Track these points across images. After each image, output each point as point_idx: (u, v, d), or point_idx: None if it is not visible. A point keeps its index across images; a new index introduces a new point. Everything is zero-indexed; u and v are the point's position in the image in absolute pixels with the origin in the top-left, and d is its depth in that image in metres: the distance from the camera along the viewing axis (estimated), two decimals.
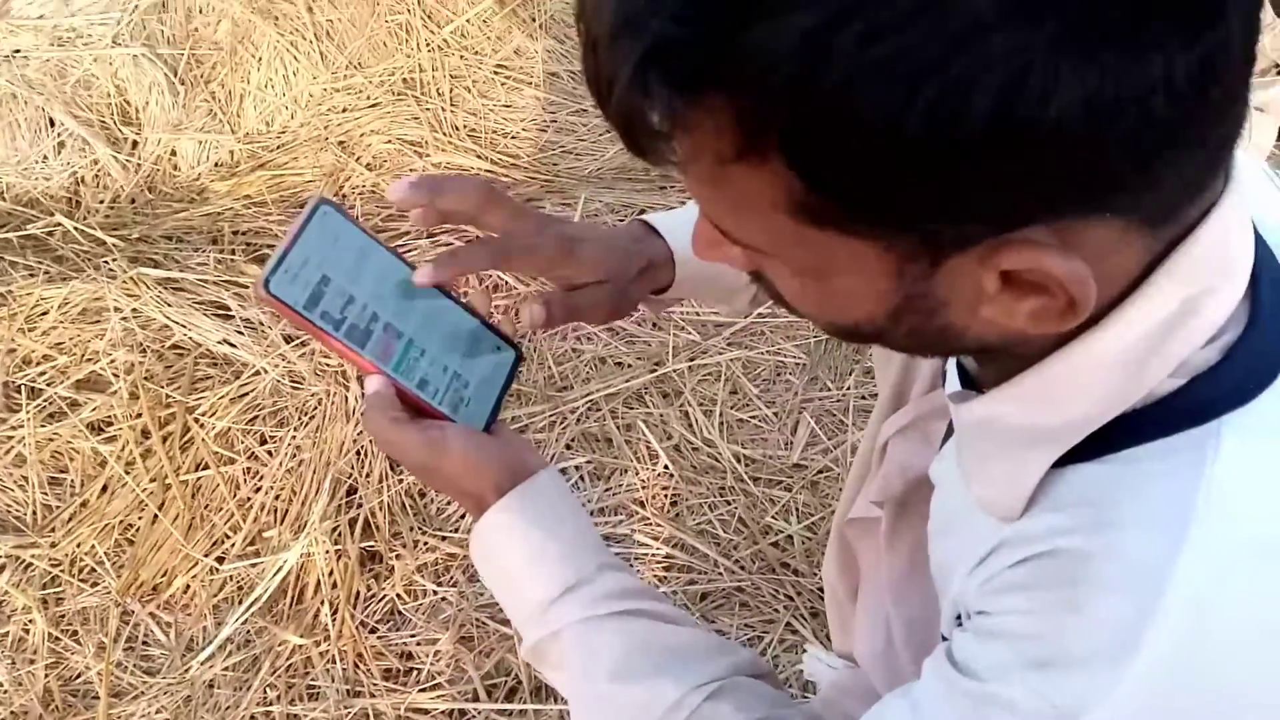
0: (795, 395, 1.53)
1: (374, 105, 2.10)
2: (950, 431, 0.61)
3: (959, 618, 0.49)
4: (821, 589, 1.28)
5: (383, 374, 0.58)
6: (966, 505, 0.49)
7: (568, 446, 1.49)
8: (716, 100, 0.34)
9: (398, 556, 1.36)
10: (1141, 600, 0.38)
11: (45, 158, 2.06)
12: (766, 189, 0.37)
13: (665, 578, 1.33)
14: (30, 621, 1.32)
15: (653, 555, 1.35)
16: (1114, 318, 0.40)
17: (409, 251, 1.73)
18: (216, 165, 2.08)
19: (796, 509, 1.39)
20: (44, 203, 1.98)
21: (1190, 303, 0.40)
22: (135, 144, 2.12)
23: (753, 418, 1.52)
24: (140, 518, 1.41)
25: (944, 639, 0.51)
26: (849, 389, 1.53)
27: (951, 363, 0.53)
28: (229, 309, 1.63)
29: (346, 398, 1.51)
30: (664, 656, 0.56)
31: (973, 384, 0.50)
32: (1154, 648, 0.38)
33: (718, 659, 0.56)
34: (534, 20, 2.17)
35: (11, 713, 1.25)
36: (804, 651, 1.15)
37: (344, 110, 2.11)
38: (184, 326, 1.60)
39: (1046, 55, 0.31)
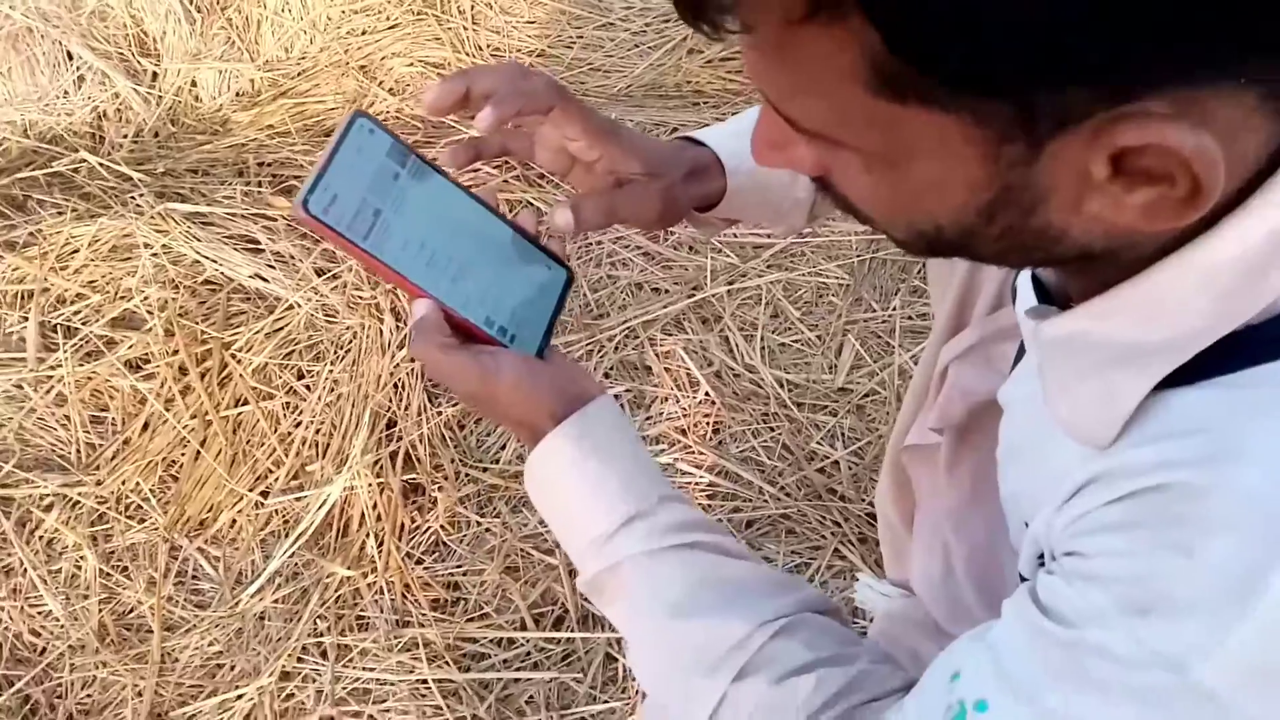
0: (839, 317, 1.49)
1: (394, 26, 2.03)
2: (1021, 354, 0.57)
3: (1040, 557, 0.46)
4: (869, 515, 1.26)
5: (430, 297, 0.55)
6: (1045, 432, 0.45)
7: (605, 375, 1.46)
8: None
9: (440, 489, 1.35)
10: (1264, 541, 0.35)
11: (65, 92, 2.03)
12: (840, 54, 0.32)
13: (709, 506, 1.31)
14: (81, 558, 1.34)
15: (696, 484, 1.33)
16: (1232, 220, 0.35)
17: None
18: (238, 95, 2.03)
19: (842, 434, 1.36)
20: (67, 139, 1.96)
21: None
22: (155, 76, 2.08)
23: (795, 341, 1.48)
24: (183, 454, 1.42)
25: (1022, 578, 0.48)
26: (894, 309, 1.49)
27: (1025, 276, 0.49)
28: (259, 243, 1.61)
29: (381, 330, 1.50)
30: (729, 591, 0.53)
31: (1049, 299, 0.46)
32: (1278, 593, 0.34)
33: (785, 595, 0.54)
34: None
35: (69, 646, 1.27)
36: (853, 578, 1.14)
37: (363, 33, 2.04)
38: (215, 261, 1.58)
39: None
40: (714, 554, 0.55)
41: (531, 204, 1.67)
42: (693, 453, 1.36)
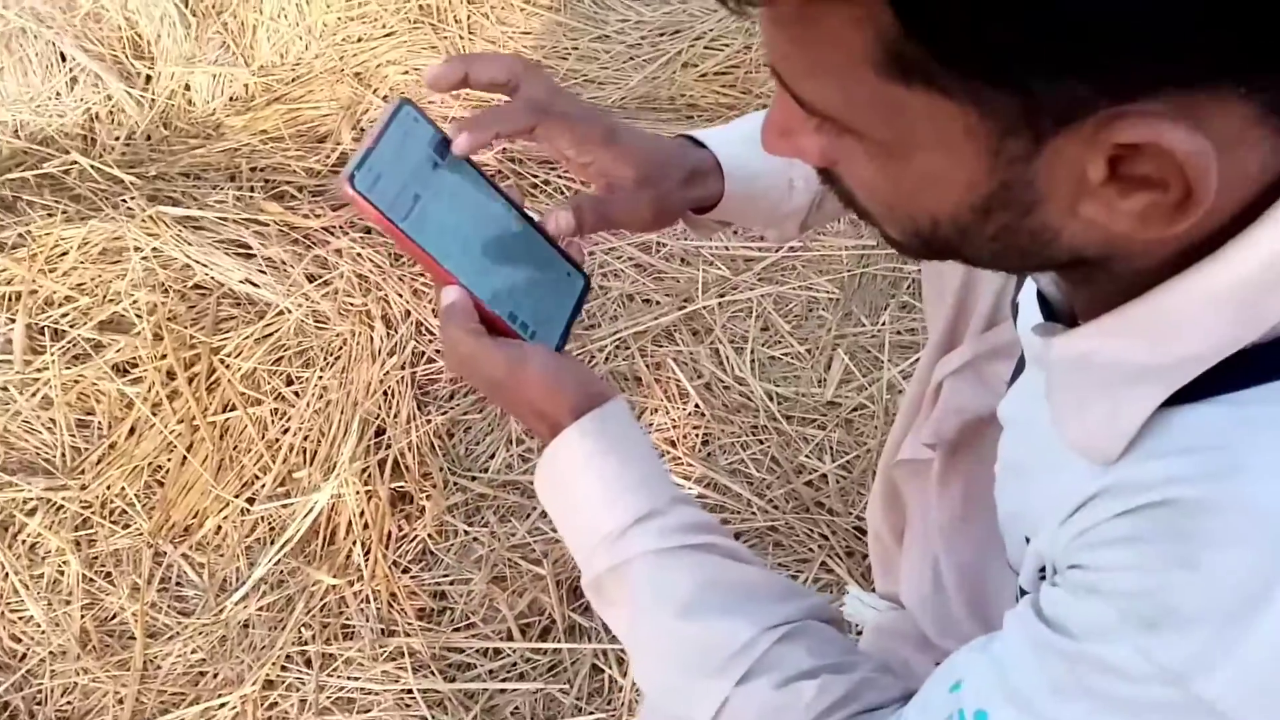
0: (828, 331, 1.50)
1: (390, 34, 2.03)
2: (1019, 370, 0.58)
3: (1043, 571, 0.46)
4: (857, 529, 1.26)
5: (460, 285, 0.55)
6: (1049, 449, 0.46)
7: None
8: None
9: (428, 497, 1.35)
10: (1271, 555, 0.35)
11: (58, 94, 2.02)
12: (854, 32, 0.33)
13: None
14: (64, 563, 1.33)
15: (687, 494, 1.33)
16: (1239, 242, 0.36)
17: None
18: (231, 99, 2.03)
19: (830, 447, 1.37)
20: (59, 140, 1.95)
21: None
22: (149, 78, 2.07)
23: (785, 354, 1.49)
24: (169, 459, 1.41)
25: (1023, 592, 0.48)
26: (883, 324, 1.50)
27: (1031, 293, 0.49)
28: (250, 247, 1.60)
29: (372, 337, 1.49)
30: (736, 594, 0.54)
31: (1054, 317, 0.47)
32: None
33: (791, 601, 0.54)
34: None
35: (50, 652, 1.26)
36: (842, 592, 1.14)
37: (359, 40, 2.04)
38: (205, 266, 1.57)
39: None
40: (723, 557, 0.55)
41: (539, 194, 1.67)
42: (682, 464, 1.36)
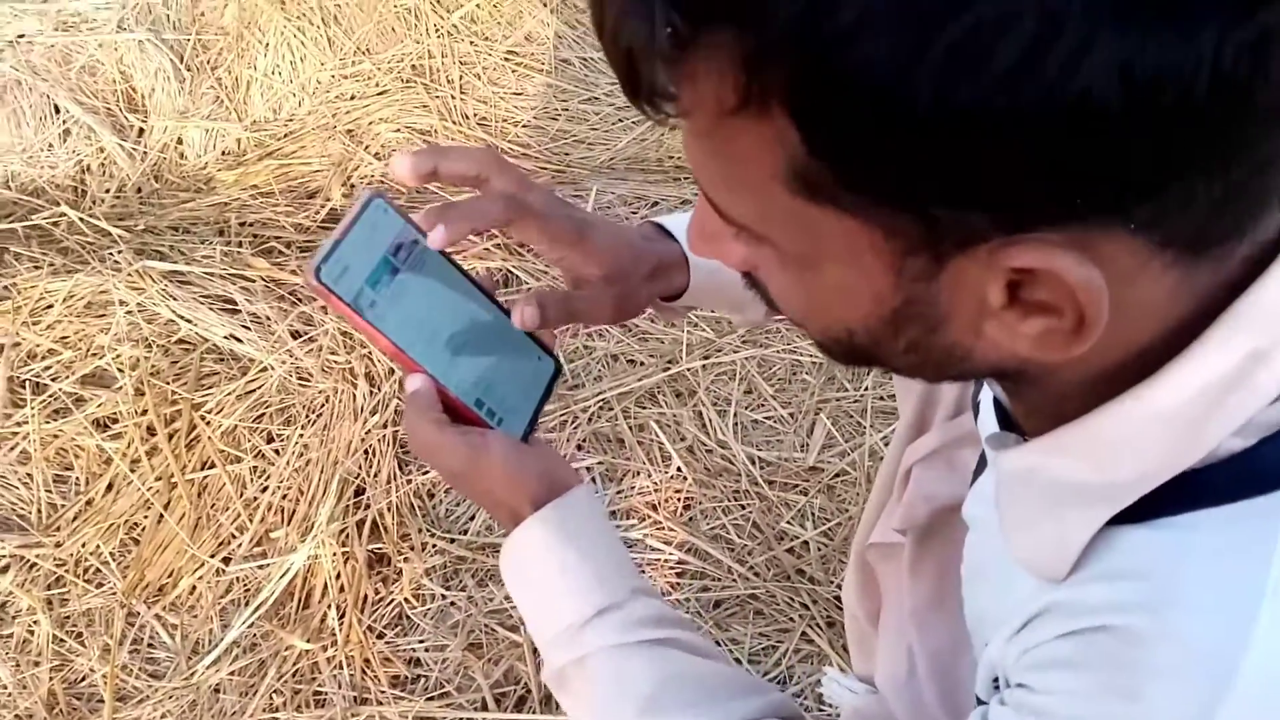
0: (811, 395, 1.50)
1: (382, 93, 2.06)
2: (982, 465, 0.58)
3: (996, 682, 0.46)
4: (838, 598, 1.25)
5: (425, 373, 0.56)
6: (1004, 557, 0.46)
7: (579, 447, 1.46)
8: (722, 36, 0.31)
9: (406, 559, 1.34)
10: (1207, 691, 0.35)
11: (50, 145, 2.04)
12: (765, 150, 0.34)
13: (678, 584, 1.30)
14: (35, 623, 1.31)
15: (665, 561, 1.32)
16: (1171, 368, 0.37)
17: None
18: (223, 154, 2.05)
19: (812, 514, 1.36)
20: (49, 192, 1.96)
21: (1258, 356, 0.36)
22: (141, 131, 2.09)
23: (768, 418, 1.49)
24: (146, 517, 1.40)
25: (980, 701, 0.48)
26: (866, 389, 1.50)
27: (987, 401, 0.50)
28: (235, 303, 1.61)
29: (354, 395, 1.49)
30: (696, 691, 0.53)
31: (1009, 423, 0.47)
32: None
33: (751, 698, 0.54)
34: (545, 5, 2.12)
35: (16, 716, 1.23)
36: (822, 664, 1.13)
37: (352, 98, 2.07)
38: (190, 321, 1.57)
39: (1081, 13, 0.28)
40: (684, 651, 0.55)
41: (512, 273, 1.68)
42: (663, 528, 1.35)
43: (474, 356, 0.58)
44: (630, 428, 1.47)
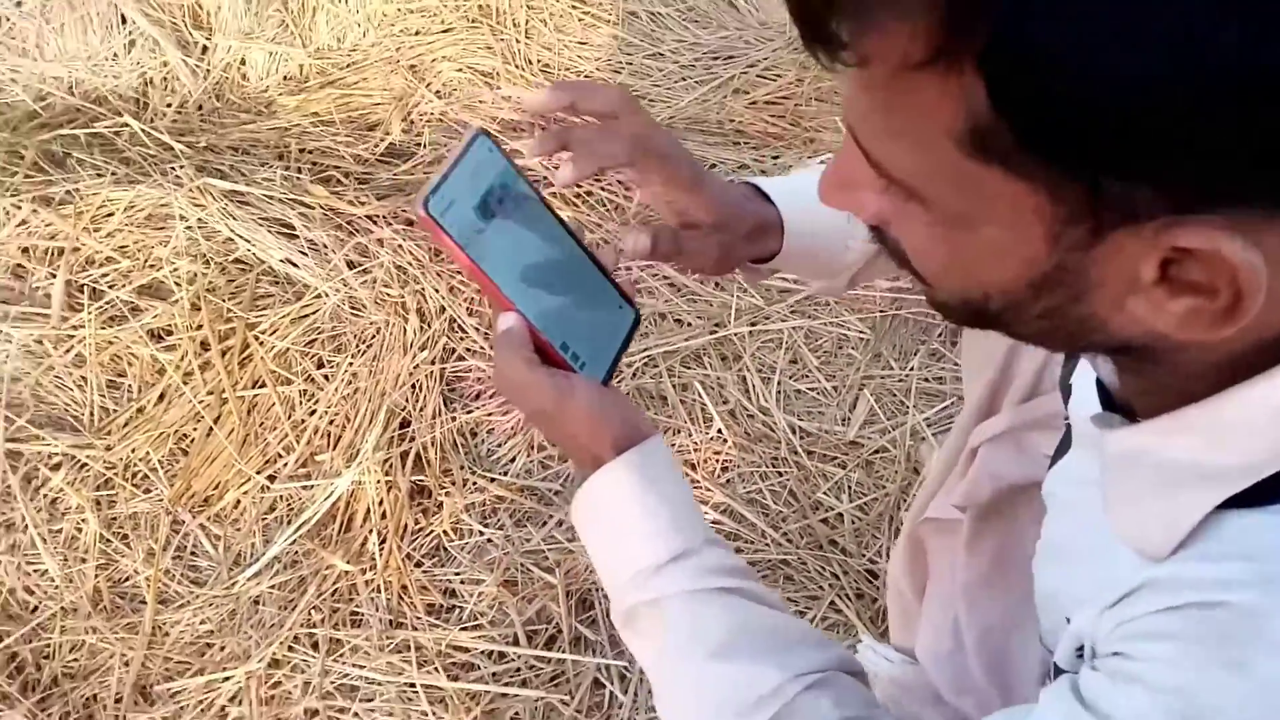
0: (857, 370, 1.51)
1: (447, 30, 2.05)
2: (1062, 449, 0.59)
3: (1080, 650, 0.47)
4: (868, 571, 1.27)
5: (518, 312, 0.57)
6: (1097, 534, 0.47)
7: None
8: None
9: (447, 494, 1.36)
10: None
11: (115, 55, 2.04)
12: (944, 105, 0.34)
13: None
14: (83, 521, 1.34)
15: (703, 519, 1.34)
16: None
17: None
18: (285, 79, 2.05)
19: (849, 487, 1.38)
20: (111, 101, 1.97)
21: None
22: (205, 49, 2.10)
23: (811, 389, 1.50)
24: (195, 429, 1.42)
25: (1058, 670, 0.49)
26: (912, 369, 1.51)
27: (1088, 380, 0.50)
28: (293, 228, 1.62)
29: (405, 330, 1.51)
30: (767, 640, 0.55)
31: (1112, 405, 0.48)
32: None
33: (820, 650, 0.55)
34: None
35: (61, 608, 1.27)
36: (850, 633, 1.15)
37: (416, 33, 2.06)
38: (248, 242, 1.59)
39: None
40: (754, 602, 0.56)
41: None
42: (700, 488, 1.37)
43: (562, 299, 0.59)
44: (674, 386, 1.49)
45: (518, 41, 2.00)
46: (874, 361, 1.52)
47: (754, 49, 1.97)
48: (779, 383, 1.49)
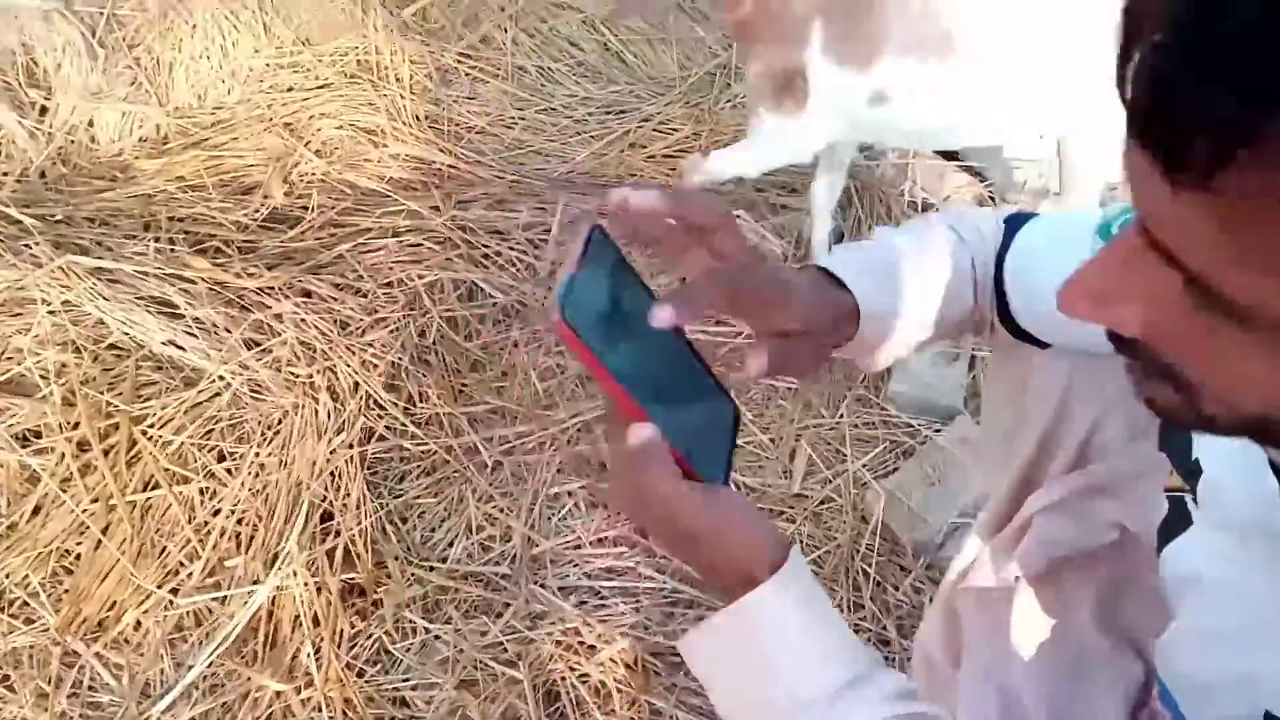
0: (790, 422, 1.50)
1: (324, 86, 1.94)
2: (1174, 526, 0.58)
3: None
4: None
5: (652, 422, 0.51)
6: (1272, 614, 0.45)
7: (559, 471, 1.41)
8: None
9: (384, 589, 1.25)
10: None
11: None
12: None
13: (672, 614, 1.27)
14: None
15: (659, 589, 1.29)
16: None
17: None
18: (142, 140, 1.88)
19: (801, 541, 1.36)
20: None
21: None
22: (44, 110, 1.90)
23: (747, 443, 1.48)
24: (80, 543, 1.25)
25: None
26: (842, 416, 1.51)
27: (1247, 460, 0.48)
28: (175, 306, 1.47)
29: (317, 411, 1.39)
30: None
31: None
32: None
33: None
34: (503, 10, 2.05)
35: None
36: None
37: (289, 89, 1.94)
38: (125, 324, 1.43)
39: None
40: None
41: (488, 265, 1.61)
42: (654, 555, 1.32)
43: (678, 400, 0.54)
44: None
45: (401, 97, 1.91)
46: (805, 411, 1.52)
47: (646, 103, 1.96)
48: None
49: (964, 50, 1.29)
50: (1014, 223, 0.70)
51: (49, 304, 1.42)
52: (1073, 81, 1.31)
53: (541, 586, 1.26)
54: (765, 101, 1.40)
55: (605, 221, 0.54)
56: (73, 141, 1.85)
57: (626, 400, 0.50)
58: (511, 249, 1.68)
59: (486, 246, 1.68)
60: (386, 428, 1.41)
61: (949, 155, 1.87)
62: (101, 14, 1.95)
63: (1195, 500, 0.54)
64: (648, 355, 0.53)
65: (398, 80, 1.94)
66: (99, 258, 1.52)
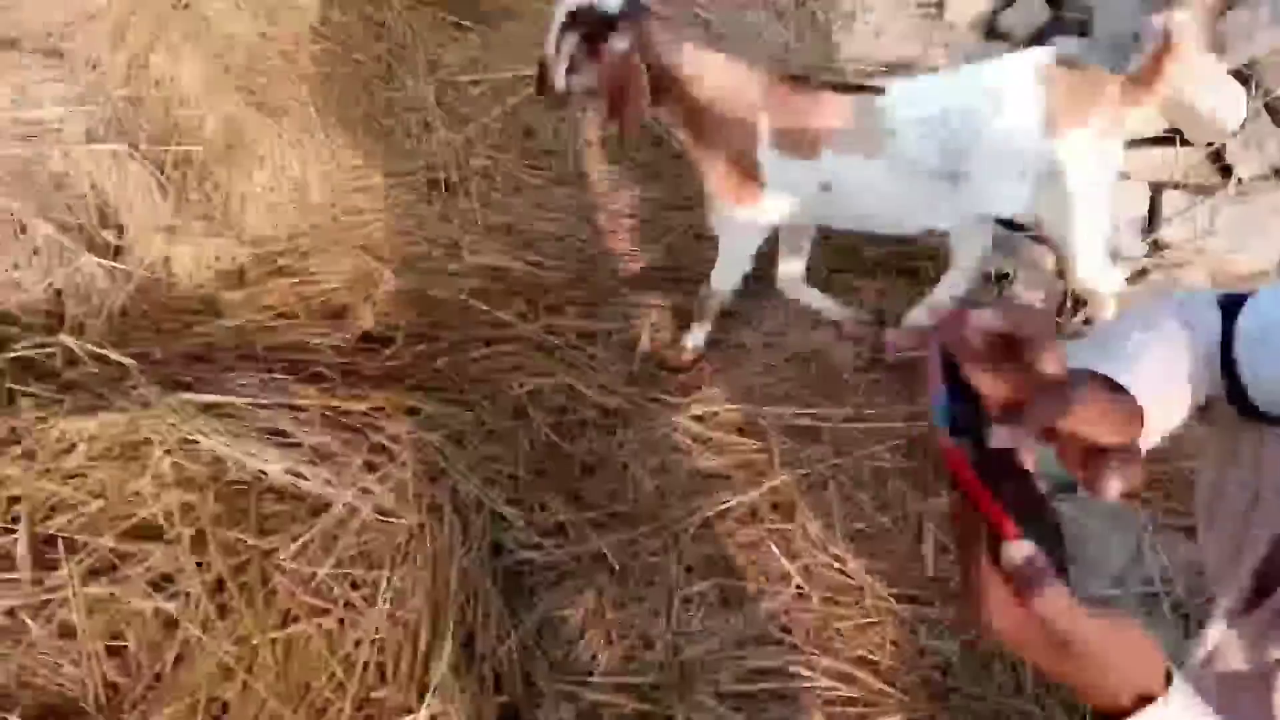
0: (908, 502, 1.50)
1: (395, 205, 1.98)
2: None
3: None
4: (996, 712, 1.23)
5: (1028, 541, 0.50)
6: None
7: (688, 570, 1.40)
8: None
9: (539, 707, 1.22)
10: None
11: (16, 265, 1.84)
12: None
13: (833, 712, 1.25)
14: None
15: (815, 688, 1.27)
16: None
17: None
18: (220, 273, 1.90)
19: (944, 625, 1.34)
20: (22, 319, 1.76)
21: None
22: (118, 250, 1.92)
23: (871, 528, 1.47)
24: (227, 688, 1.22)
25: None
26: None
27: None
28: (289, 435, 1.47)
29: (443, 530, 1.38)
30: None
31: None
32: None
33: None
34: (562, 120, 2.11)
35: None
36: None
37: (360, 212, 1.98)
38: (244, 458, 1.42)
39: None
40: None
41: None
42: (804, 654, 1.30)
43: (1030, 513, 0.54)
44: (738, 547, 1.42)
45: (475, 209, 1.95)
46: (919, 489, 1.52)
47: None
48: (839, 527, 1.46)
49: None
50: (1230, 304, 0.72)
51: (165, 444, 1.42)
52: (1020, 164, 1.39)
53: (703, 696, 1.23)
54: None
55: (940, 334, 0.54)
56: (153, 279, 1.87)
57: (1002, 519, 0.50)
58: (605, 351, 1.70)
59: (578, 349, 1.70)
60: (515, 540, 1.40)
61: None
62: (167, 152, 1.99)
63: None
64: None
65: (467, 194, 1.98)
66: (206, 393, 1.52)
